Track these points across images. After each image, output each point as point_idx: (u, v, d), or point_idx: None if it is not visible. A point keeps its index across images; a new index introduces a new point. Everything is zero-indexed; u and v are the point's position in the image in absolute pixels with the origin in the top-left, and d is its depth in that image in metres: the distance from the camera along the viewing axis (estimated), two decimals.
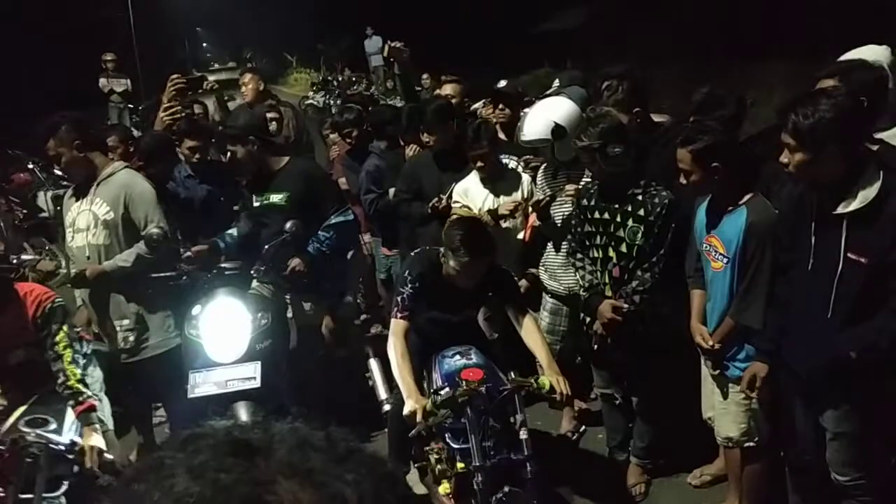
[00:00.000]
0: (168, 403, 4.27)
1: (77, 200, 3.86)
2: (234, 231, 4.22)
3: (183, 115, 4.77)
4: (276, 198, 4.13)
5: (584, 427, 4.33)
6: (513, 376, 3.16)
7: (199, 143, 4.78)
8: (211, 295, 3.69)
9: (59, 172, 5.30)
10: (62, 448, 2.87)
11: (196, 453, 0.58)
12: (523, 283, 4.10)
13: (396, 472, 0.64)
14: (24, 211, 8.01)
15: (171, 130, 4.65)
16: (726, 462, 3.49)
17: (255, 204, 4.21)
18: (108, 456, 2.97)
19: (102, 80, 12.23)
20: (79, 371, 3.09)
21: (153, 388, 4.09)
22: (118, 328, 3.85)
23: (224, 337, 3.61)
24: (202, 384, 3.50)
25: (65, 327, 3.15)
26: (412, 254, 3.62)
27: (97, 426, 3.02)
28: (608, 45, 15.33)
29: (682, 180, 3.08)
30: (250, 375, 3.52)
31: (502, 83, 5.83)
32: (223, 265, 3.81)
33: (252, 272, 3.81)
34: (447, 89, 5.70)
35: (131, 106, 12.22)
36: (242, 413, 3.42)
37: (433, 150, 4.56)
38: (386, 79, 16.91)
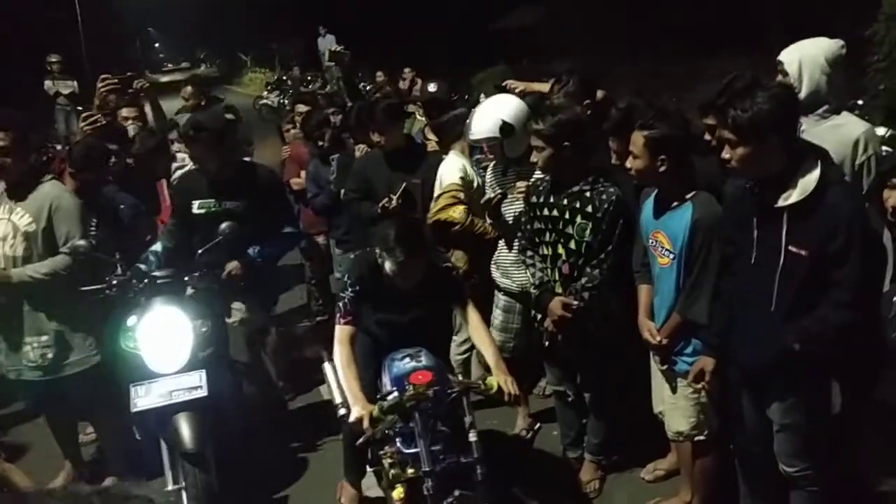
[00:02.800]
0: (97, 422, 4.17)
1: None
2: (157, 247, 4.03)
3: (103, 123, 4.62)
4: (231, 204, 4.02)
5: (538, 424, 4.32)
6: (460, 378, 3.14)
7: (118, 148, 4.59)
8: (146, 305, 3.56)
9: None
10: None
11: None
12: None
13: None
14: None
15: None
16: (678, 456, 3.51)
17: (200, 211, 4.06)
18: None
19: (48, 83, 11.91)
20: None
21: (75, 406, 3.99)
22: (34, 344, 3.69)
23: (164, 347, 3.48)
24: (145, 396, 3.37)
25: None
26: (352, 257, 3.57)
27: None
28: (565, 42, 15.44)
29: (628, 164, 3.09)
30: (196, 384, 3.41)
31: (432, 87, 5.81)
32: (154, 274, 3.66)
33: (185, 279, 3.69)
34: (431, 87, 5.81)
35: (80, 108, 11.91)
36: (184, 426, 3.32)
37: (384, 149, 4.52)
38: (338, 78, 16.79)
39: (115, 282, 3.55)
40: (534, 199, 3.56)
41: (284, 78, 19.52)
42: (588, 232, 3.34)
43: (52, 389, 3.84)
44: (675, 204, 3.03)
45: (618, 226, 3.33)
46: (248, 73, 29.34)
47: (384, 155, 4.53)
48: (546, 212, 3.47)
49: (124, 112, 5.10)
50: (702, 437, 3.25)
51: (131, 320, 3.55)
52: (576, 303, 3.40)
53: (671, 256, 3.06)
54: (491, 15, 19.63)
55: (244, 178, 4.12)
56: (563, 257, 3.44)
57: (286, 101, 16.57)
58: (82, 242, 3.55)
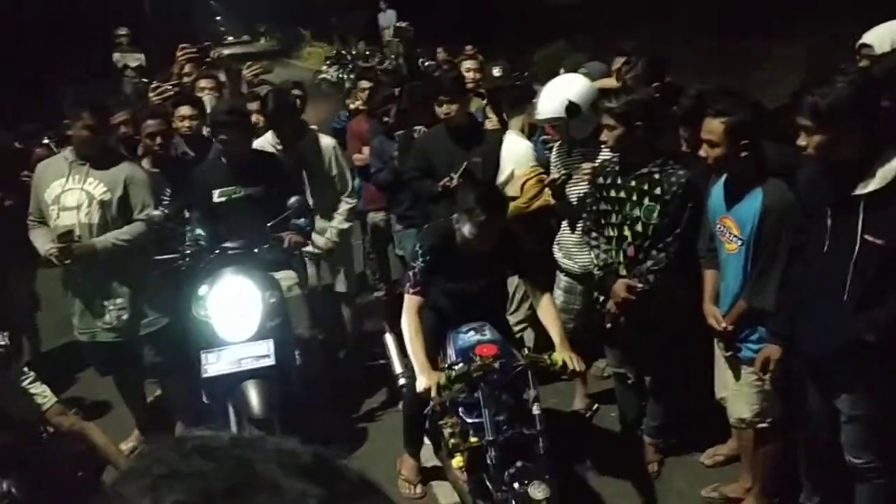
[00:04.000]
0: (165, 381, 4.33)
1: (60, 178, 3.81)
2: (201, 232, 3.95)
3: (173, 93, 4.73)
4: (251, 189, 4.03)
5: (597, 405, 4.33)
6: (526, 352, 3.18)
7: (195, 112, 4.61)
8: (217, 275, 3.68)
9: None
10: None
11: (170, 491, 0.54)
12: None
13: None
14: None
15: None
16: (739, 443, 3.49)
17: (221, 199, 4.02)
18: None
19: (116, 55, 12.15)
20: None
21: (144, 367, 4.16)
22: (111, 307, 3.86)
23: (235, 316, 3.60)
24: (215, 363, 3.51)
25: None
26: (424, 228, 3.64)
27: None
28: (626, 17, 15.14)
29: (703, 153, 3.04)
30: (264, 353, 3.53)
31: (496, 71, 5.78)
32: (225, 245, 3.77)
33: (255, 250, 3.77)
34: (468, 64, 5.79)
35: (146, 81, 12.16)
36: (252, 393, 3.44)
37: (451, 123, 4.48)
38: (398, 54, 16.78)
39: (188, 252, 3.68)
40: (601, 179, 3.54)
41: (343, 52, 19.60)
42: (656, 214, 3.32)
43: (124, 351, 4.02)
44: (747, 189, 2.99)
45: (686, 209, 3.30)
46: (307, 47, 29.52)
47: (447, 131, 4.52)
48: (613, 193, 3.46)
49: (201, 83, 5.19)
50: (764, 425, 3.23)
51: (203, 289, 3.68)
52: (640, 285, 3.39)
53: (739, 243, 3.03)
54: None
55: (262, 165, 4.15)
56: (629, 239, 3.43)
57: (345, 76, 16.65)
58: (158, 212, 3.72)
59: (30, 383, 3.45)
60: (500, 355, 2.99)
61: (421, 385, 2.99)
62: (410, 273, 3.31)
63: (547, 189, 4.02)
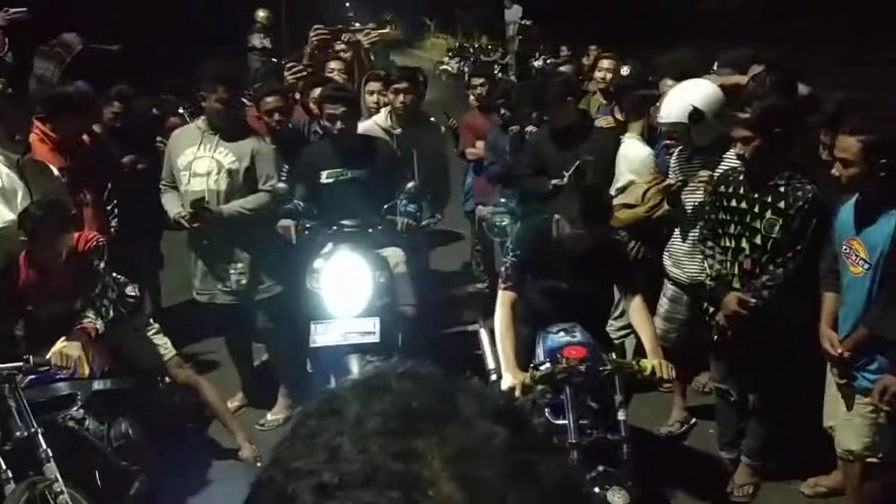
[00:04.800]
0: (273, 347, 4.50)
1: (192, 146, 4.00)
2: (297, 201, 4.00)
3: (307, 73, 4.89)
4: (357, 172, 4.07)
5: (694, 420, 4.22)
6: (614, 357, 3.14)
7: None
8: (332, 250, 3.82)
9: None
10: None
11: (366, 417, 0.57)
12: None
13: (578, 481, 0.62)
14: None
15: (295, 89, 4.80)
16: (844, 475, 3.32)
17: (329, 180, 4.07)
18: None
19: (253, 36, 12.61)
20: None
21: (255, 330, 4.36)
22: (231, 271, 4.04)
23: (345, 291, 3.73)
24: (323, 334, 3.65)
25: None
26: (521, 223, 3.65)
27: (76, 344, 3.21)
28: (766, 23, 14.62)
29: (836, 171, 2.90)
30: (370, 330, 3.64)
31: (625, 70, 5.70)
32: (343, 222, 3.89)
33: (370, 231, 3.89)
34: (605, 64, 5.88)
35: (274, 60, 12.57)
36: (355, 366, 3.55)
37: (553, 124, 4.52)
38: (513, 52, 16.75)
39: (308, 225, 3.83)
40: (722, 188, 3.44)
41: (466, 45, 19.74)
42: (777, 229, 3.21)
43: (239, 314, 4.22)
44: (880, 212, 2.84)
45: (810, 226, 3.17)
46: (431, 37, 29.84)
47: (550, 131, 4.56)
48: (734, 203, 3.36)
49: (331, 65, 5.34)
50: (874, 460, 3.06)
51: (317, 263, 3.83)
52: (753, 300, 3.28)
53: (866, 266, 2.89)
54: None
55: (368, 149, 4.21)
56: (746, 252, 3.33)
57: (466, 69, 16.78)
58: (282, 185, 3.89)
59: (154, 334, 3.68)
60: (588, 358, 2.96)
61: (506, 383, 3.01)
62: (503, 268, 3.34)
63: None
